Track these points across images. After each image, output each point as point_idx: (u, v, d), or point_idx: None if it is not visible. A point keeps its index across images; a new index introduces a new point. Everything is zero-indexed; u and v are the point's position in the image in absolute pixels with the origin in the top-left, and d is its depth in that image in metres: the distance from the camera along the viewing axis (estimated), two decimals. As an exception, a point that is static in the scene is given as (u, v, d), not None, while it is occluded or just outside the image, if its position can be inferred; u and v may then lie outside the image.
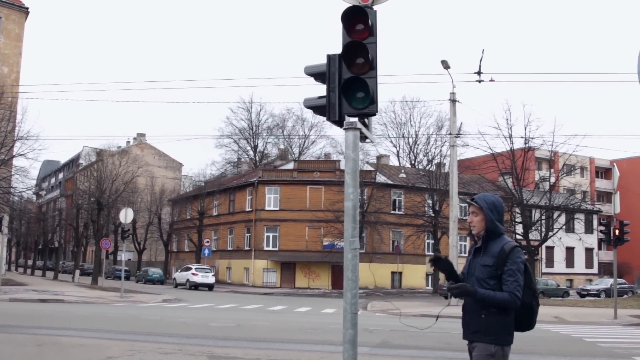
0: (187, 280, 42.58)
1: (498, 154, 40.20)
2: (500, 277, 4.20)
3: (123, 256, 32.44)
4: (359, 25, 5.28)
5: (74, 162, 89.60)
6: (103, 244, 37.60)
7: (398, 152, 66.36)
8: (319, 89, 5.53)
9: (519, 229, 41.48)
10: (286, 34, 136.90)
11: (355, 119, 5.29)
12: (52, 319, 16.68)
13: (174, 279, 46.57)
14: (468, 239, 40.05)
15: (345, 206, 5.23)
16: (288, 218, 48.12)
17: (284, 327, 16.71)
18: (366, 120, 5.53)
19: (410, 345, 12.25)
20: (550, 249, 53.21)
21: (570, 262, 59.16)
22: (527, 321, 4.40)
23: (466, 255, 4.71)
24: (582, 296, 43.22)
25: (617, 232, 21.92)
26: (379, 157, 59.46)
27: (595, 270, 62.27)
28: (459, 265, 8.71)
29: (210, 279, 42.40)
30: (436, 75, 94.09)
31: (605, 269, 62.40)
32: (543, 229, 41.15)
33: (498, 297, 4.16)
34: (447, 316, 8.63)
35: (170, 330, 14.70)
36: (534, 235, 41.07)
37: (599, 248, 63.13)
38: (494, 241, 4.33)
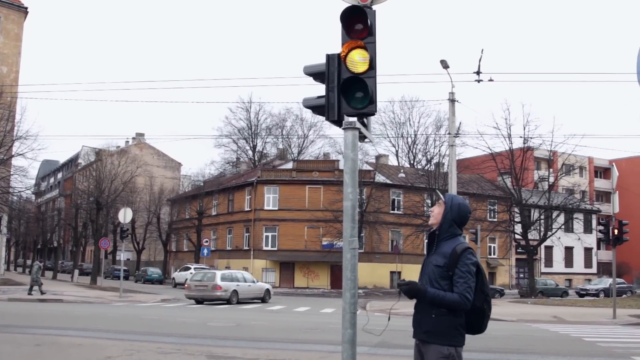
0: (186, 280, 42.54)
1: (497, 153, 40.23)
2: (451, 278, 4.16)
3: (122, 256, 32.46)
4: (358, 25, 5.27)
5: (72, 161, 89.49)
6: (102, 243, 37.58)
7: (397, 151, 66.58)
8: (318, 89, 5.51)
9: (518, 228, 41.53)
10: (285, 34, 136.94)
11: (354, 119, 5.27)
12: (51, 318, 16.67)
13: (173, 278, 46.54)
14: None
15: (344, 206, 5.22)
16: (287, 218, 48.10)
17: (283, 326, 16.71)
18: (365, 120, 5.51)
19: (409, 345, 12.08)
20: (549, 249, 53.23)
21: (569, 261, 59.16)
22: (477, 324, 4.32)
23: None
24: (581, 296, 43.22)
25: (616, 231, 21.93)
26: (378, 157, 59.49)
27: (594, 270, 62.31)
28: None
29: (209, 278, 42.34)
30: (435, 75, 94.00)
31: (604, 269, 62.40)
32: (542, 229, 41.18)
33: (448, 297, 4.11)
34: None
35: (169, 330, 14.70)
36: (533, 235, 41.11)
37: (598, 248, 63.18)
38: (447, 241, 4.30)
